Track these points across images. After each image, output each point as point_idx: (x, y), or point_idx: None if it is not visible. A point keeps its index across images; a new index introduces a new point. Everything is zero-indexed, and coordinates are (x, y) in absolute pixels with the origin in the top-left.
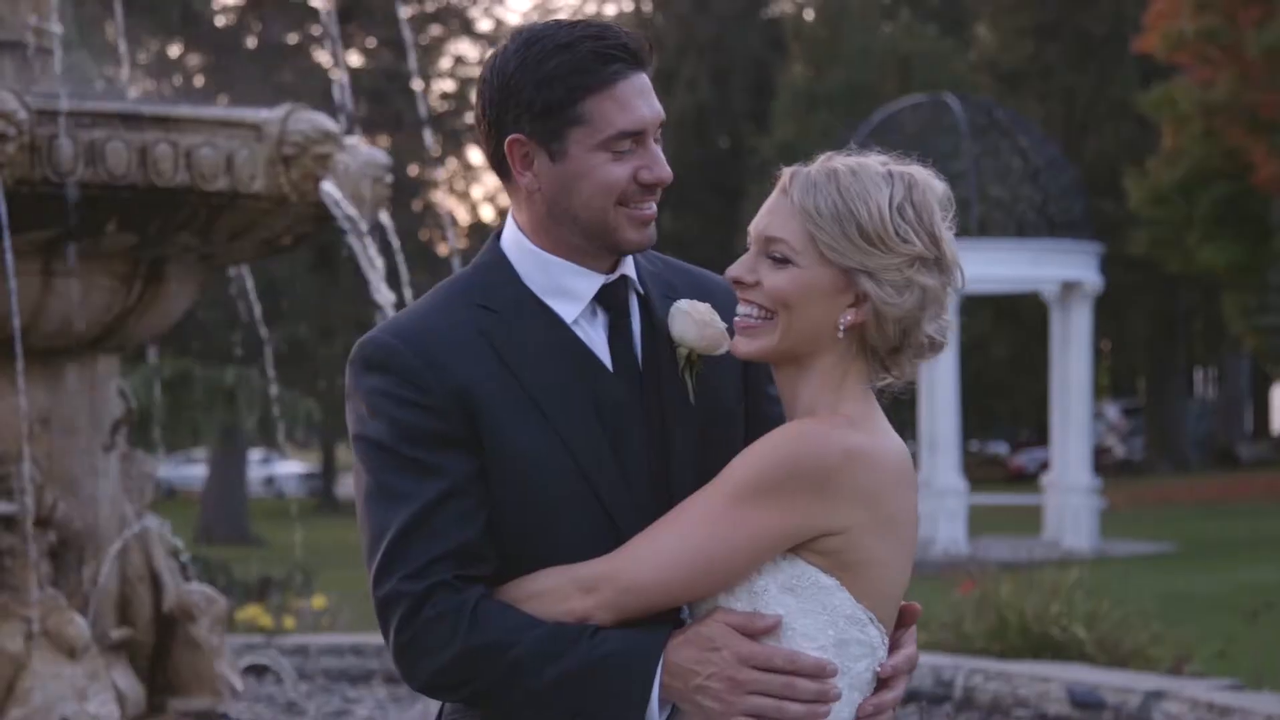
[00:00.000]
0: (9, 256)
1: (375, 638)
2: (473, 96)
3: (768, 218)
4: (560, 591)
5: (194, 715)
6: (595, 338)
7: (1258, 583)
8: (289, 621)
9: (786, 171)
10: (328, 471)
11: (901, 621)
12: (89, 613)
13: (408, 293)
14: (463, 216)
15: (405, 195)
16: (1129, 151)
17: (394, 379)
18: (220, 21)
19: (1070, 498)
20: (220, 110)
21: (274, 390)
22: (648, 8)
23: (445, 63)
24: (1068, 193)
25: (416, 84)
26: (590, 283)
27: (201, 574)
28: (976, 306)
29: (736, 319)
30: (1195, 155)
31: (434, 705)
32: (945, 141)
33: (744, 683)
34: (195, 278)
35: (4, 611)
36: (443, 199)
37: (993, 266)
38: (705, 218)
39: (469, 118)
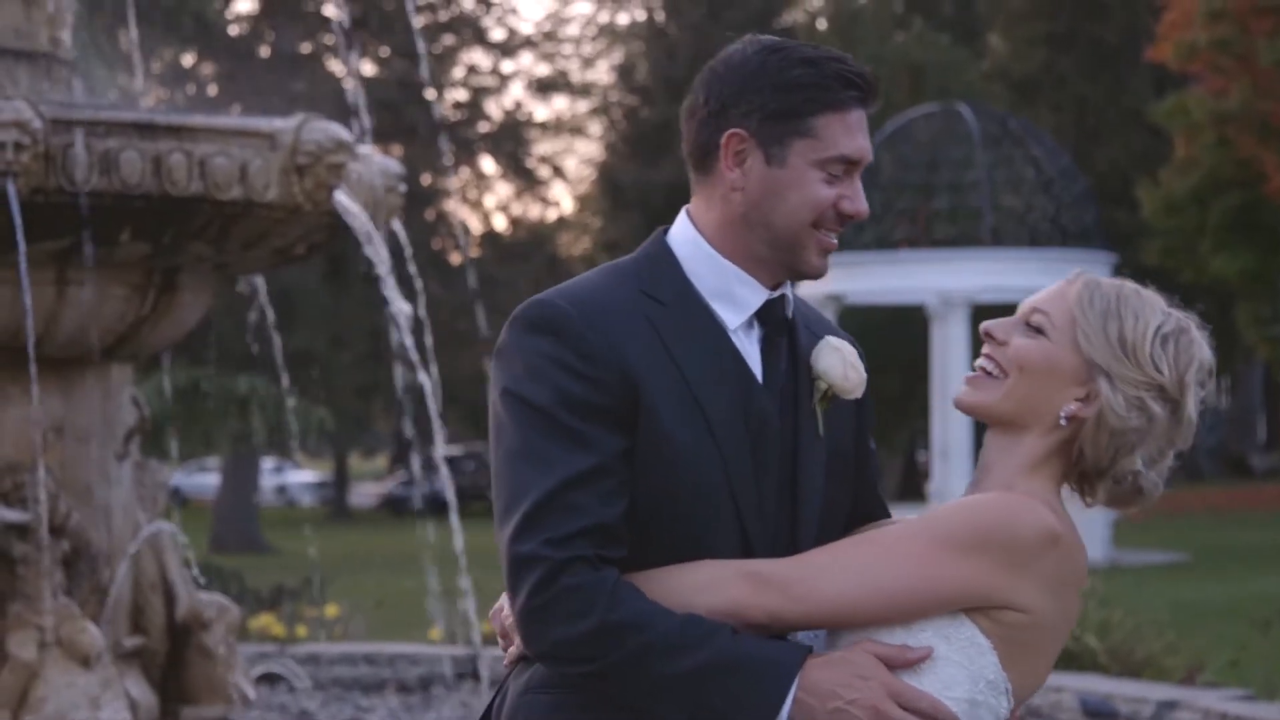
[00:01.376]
0: (23, 265)
1: (388, 646)
2: (486, 106)
3: (1042, 295)
4: (722, 581)
5: None
6: (749, 349)
7: (1270, 593)
8: (301, 630)
9: (1078, 271)
10: (340, 480)
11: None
12: (102, 621)
13: (421, 300)
14: (475, 226)
15: (418, 204)
16: (1142, 161)
17: (563, 345)
18: (234, 31)
19: (1082, 507)
20: (234, 120)
21: (287, 399)
22: (661, 17)
23: (458, 72)
24: (1080, 202)
25: (430, 93)
26: (757, 295)
27: (214, 582)
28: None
29: (970, 374)
30: (1208, 165)
31: (447, 712)
32: (958, 151)
33: (887, 716)
34: (209, 287)
35: (18, 620)
36: (456, 208)
37: (1005, 276)
38: None
39: (482, 127)
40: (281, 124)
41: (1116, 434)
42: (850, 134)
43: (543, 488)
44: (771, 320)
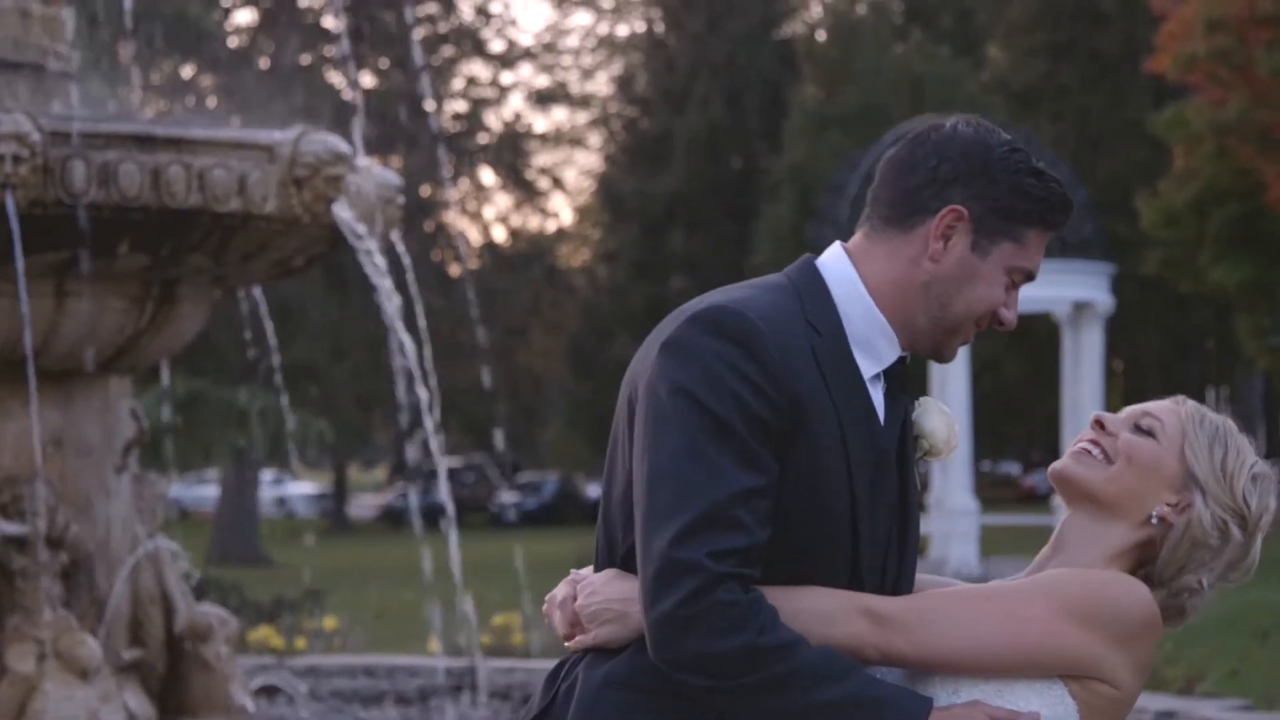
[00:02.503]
0: (22, 278)
1: (387, 659)
2: (485, 117)
3: (1154, 404)
4: (844, 615)
5: None
6: (875, 398)
7: (1270, 603)
8: (300, 642)
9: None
10: (339, 492)
11: None
12: (101, 634)
13: (419, 308)
14: (475, 237)
15: (417, 216)
16: (1141, 172)
17: (749, 358)
18: (233, 42)
19: None
20: (233, 132)
21: (286, 411)
22: (660, 28)
23: (458, 83)
24: (1079, 213)
25: (429, 104)
26: (892, 352)
27: (213, 594)
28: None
29: (1075, 447)
30: (1207, 175)
31: None
32: None
33: None
34: (207, 299)
35: (16, 633)
36: (455, 219)
37: None
38: (717, 238)
39: (481, 138)
40: (280, 136)
41: (1197, 546)
42: (1038, 253)
43: (711, 498)
44: (894, 378)
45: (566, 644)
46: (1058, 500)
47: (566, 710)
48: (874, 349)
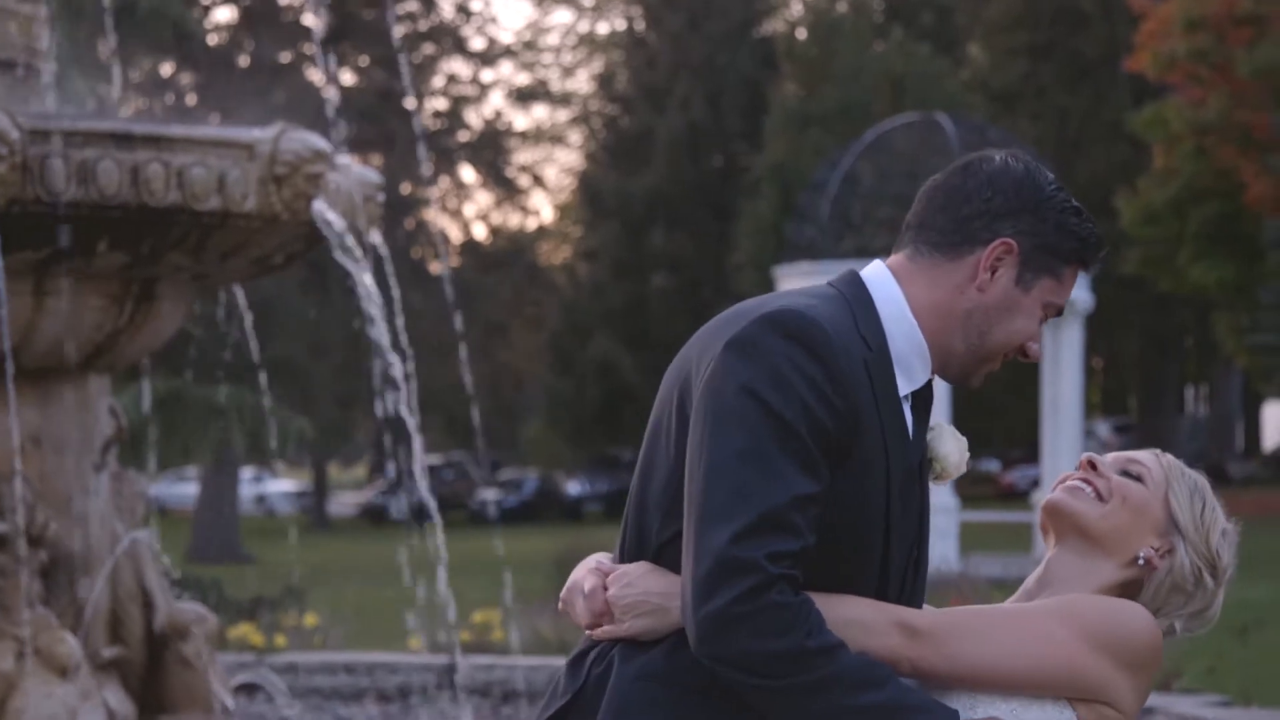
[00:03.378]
0: (0, 276)
1: (367, 656)
2: (466, 115)
3: (1137, 452)
4: (882, 627)
5: None
6: (906, 415)
7: (1248, 600)
8: (280, 640)
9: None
10: (319, 489)
11: None
12: (80, 631)
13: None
14: (455, 235)
15: (397, 214)
16: (1121, 172)
17: (818, 364)
18: (212, 40)
19: None
20: (212, 130)
21: (267, 408)
22: (641, 26)
23: (438, 81)
24: None
25: (409, 102)
26: (924, 374)
27: (193, 592)
28: None
29: (1068, 482)
30: (1186, 174)
31: None
32: (937, 161)
33: None
34: (187, 297)
35: None
36: (435, 217)
37: None
38: (698, 237)
39: (462, 136)
40: (260, 134)
41: (1175, 590)
42: (1069, 290)
43: (773, 500)
44: (922, 399)
45: (591, 633)
46: (1038, 497)
47: (598, 700)
48: (910, 369)
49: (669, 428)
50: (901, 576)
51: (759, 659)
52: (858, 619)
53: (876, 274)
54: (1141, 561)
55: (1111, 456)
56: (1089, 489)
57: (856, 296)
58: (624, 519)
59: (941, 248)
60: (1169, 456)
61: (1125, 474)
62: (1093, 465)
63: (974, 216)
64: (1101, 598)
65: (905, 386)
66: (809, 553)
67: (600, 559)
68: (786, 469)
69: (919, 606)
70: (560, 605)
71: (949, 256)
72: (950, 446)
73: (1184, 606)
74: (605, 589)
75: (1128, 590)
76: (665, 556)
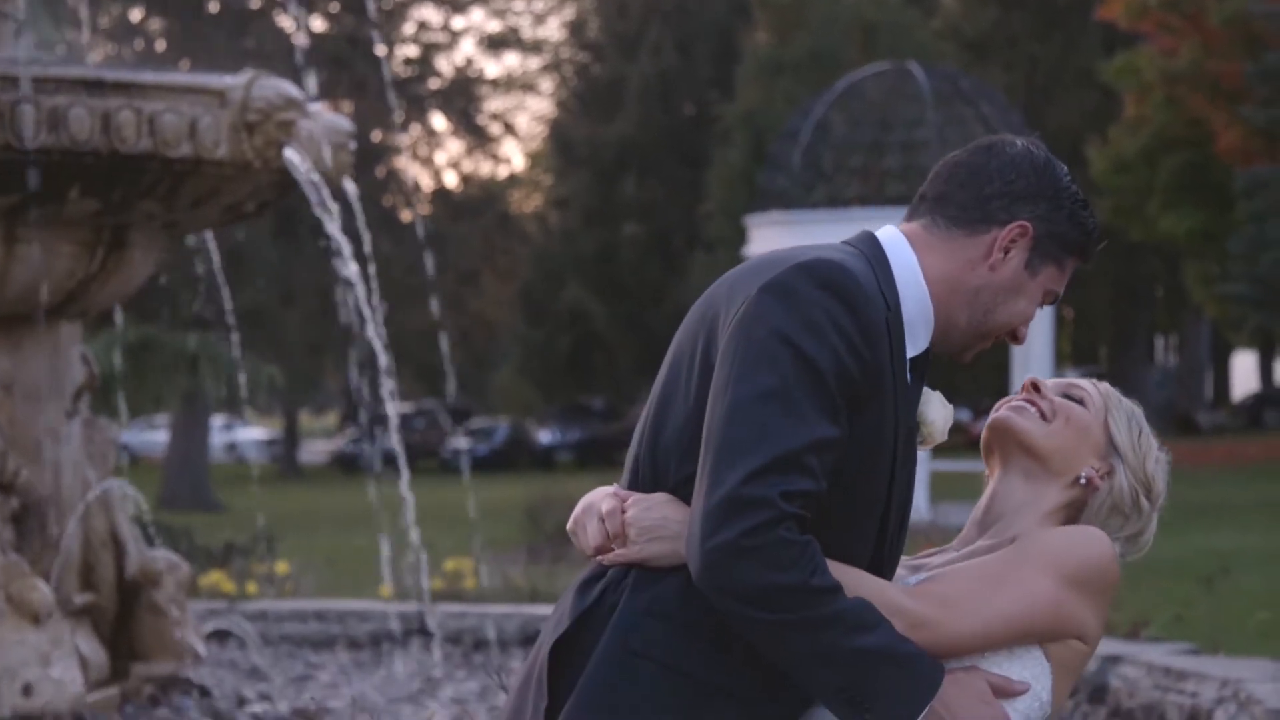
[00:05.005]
0: None
1: (338, 603)
2: (437, 62)
3: (1078, 380)
4: (881, 609)
5: (157, 680)
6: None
7: (1214, 549)
8: (251, 587)
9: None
10: (290, 437)
11: None
12: (52, 578)
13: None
14: (426, 182)
15: (368, 161)
16: (1092, 121)
17: (853, 317)
18: None
19: None
20: (184, 77)
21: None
22: None
23: (409, 28)
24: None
25: (380, 49)
26: (926, 339)
27: (164, 540)
28: None
29: (1011, 402)
30: (1157, 124)
31: (398, 669)
32: (909, 110)
33: None
34: (158, 244)
35: None
36: (406, 165)
37: None
38: (669, 184)
39: (433, 83)
40: (231, 81)
41: (1114, 512)
42: (1066, 281)
43: (792, 441)
44: (919, 365)
45: (599, 558)
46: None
47: (604, 628)
48: (916, 333)
49: (690, 370)
50: (895, 529)
51: (762, 591)
52: (861, 588)
53: (892, 238)
54: (1084, 481)
55: (1053, 381)
56: (1033, 409)
57: (875, 256)
58: (632, 459)
59: (960, 222)
60: (1106, 384)
61: (1067, 397)
62: (1036, 387)
63: (995, 196)
64: (1061, 531)
65: (911, 349)
66: (819, 497)
67: (615, 487)
68: (810, 412)
69: (900, 553)
70: (570, 526)
71: (966, 232)
72: (937, 413)
73: (1121, 529)
74: (624, 511)
75: (1071, 512)
76: (680, 494)
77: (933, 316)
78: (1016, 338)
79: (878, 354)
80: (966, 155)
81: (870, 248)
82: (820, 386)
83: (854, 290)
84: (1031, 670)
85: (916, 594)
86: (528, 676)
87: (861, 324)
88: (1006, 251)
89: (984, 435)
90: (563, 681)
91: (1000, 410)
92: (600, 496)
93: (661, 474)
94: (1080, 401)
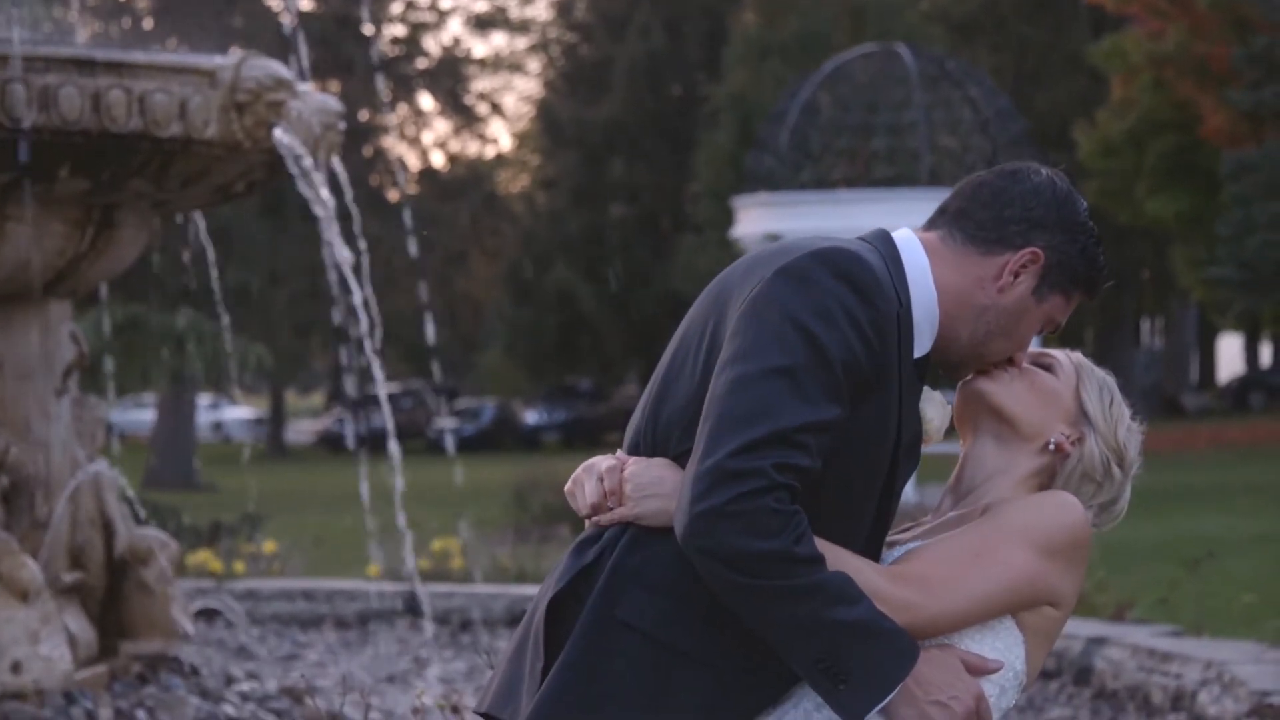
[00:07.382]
0: None
1: (325, 583)
2: (424, 42)
3: (1051, 350)
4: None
5: (145, 659)
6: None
7: (1200, 532)
8: (239, 566)
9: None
10: (277, 417)
11: None
12: (41, 556)
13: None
14: (413, 162)
15: (356, 141)
16: (1080, 104)
17: (865, 307)
18: None
19: None
20: (174, 56)
21: (225, 335)
22: None
23: (396, 7)
24: (1017, 143)
25: (367, 29)
26: (927, 345)
27: (151, 518)
28: None
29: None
30: (1144, 106)
31: (385, 648)
32: (896, 92)
33: (980, 715)
34: (148, 224)
35: None
36: (393, 145)
37: None
38: (657, 166)
39: (420, 63)
40: (221, 61)
41: (1085, 479)
42: (1069, 313)
43: (792, 419)
44: (920, 367)
45: (593, 519)
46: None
47: (592, 588)
48: (922, 335)
49: (698, 347)
50: (886, 518)
51: (746, 556)
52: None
53: (907, 240)
54: (1053, 446)
55: (1025, 351)
56: (1004, 375)
57: (889, 254)
58: (633, 431)
59: (975, 240)
60: (1078, 354)
61: (1037, 364)
62: (1010, 360)
63: (1013, 220)
64: (1032, 500)
65: (915, 350)
66: (814, 474)
67: (618, 453)
68: (812, 393)
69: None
70: (568, 487)
71: (981, 251)
72: (935, 411)
73: (1094, 496)
74: (622, 471)
75: (1043, 480)
76: (681, 466)
77: (938, 322)
78: (1012, 359)
79: (887, 347)
80: (992, 176)
81: (885, 245)
82: (827, 372)
83: (869, 282)
84: (1005, 641)
85: (895, 577)
86: (524, 638)
87: (874, 316)
88: (1016, 276)
89: (955, 402)
90: (556, 641)
91: (971, 376)
92: (601, 459)
93: (662, 447)
94: (1049, 369)
